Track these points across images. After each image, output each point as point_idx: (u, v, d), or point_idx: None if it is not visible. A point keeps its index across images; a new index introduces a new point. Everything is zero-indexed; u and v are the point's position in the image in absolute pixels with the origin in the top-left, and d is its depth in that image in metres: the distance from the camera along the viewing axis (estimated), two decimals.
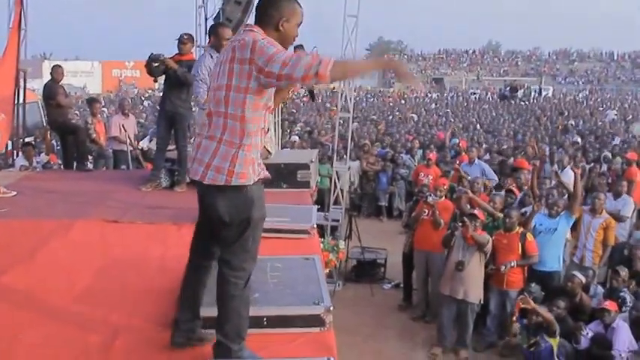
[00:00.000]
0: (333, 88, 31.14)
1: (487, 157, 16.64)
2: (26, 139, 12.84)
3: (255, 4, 3.69)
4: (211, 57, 6.99)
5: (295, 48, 3.66)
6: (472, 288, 8.84)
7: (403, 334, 9.93)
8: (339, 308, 10.61)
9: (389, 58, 3.83)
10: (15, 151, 12.12)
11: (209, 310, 4.02)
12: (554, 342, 7.76)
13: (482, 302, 8.97)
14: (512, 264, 8.64)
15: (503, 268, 8.41)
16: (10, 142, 12.00)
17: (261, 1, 3.70)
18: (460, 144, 16.69)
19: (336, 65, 3.35)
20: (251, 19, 4.09)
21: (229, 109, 3.52)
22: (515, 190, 10.85)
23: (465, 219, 8.79)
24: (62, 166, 11.61)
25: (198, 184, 3.64)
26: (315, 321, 4.09)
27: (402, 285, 11.39)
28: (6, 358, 3.78)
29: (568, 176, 11.89)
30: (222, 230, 3.63)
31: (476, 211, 9.09)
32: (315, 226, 6.48)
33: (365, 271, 12.46)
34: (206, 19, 13.20)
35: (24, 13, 12.07)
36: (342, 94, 13.07)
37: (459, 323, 9.10)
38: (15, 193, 8.55)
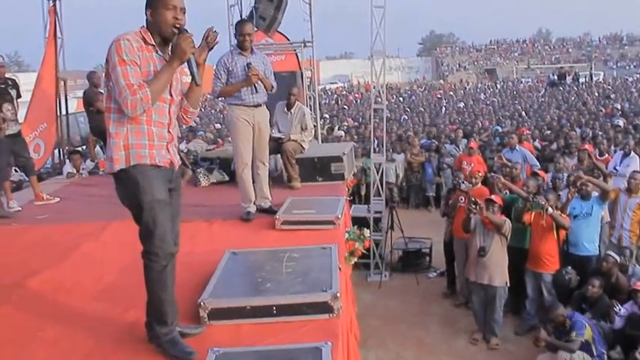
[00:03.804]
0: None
1: (537, 143, 16.58)
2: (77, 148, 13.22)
3: None
4: (231, 54, 7.14)
5: (180, 32, 3.73)
6: (496, 272, 8.86)
7: (446, 321, 10.02)
8: (386, 298, 10.93)
9: (176, 45, 3.77)
10: (62, 159, 12.48)
11: (218, 301, 4.23)
12: None
13: (508, 284, 8.94)
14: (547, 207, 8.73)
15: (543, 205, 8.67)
16: (58, 151, 12.40)
17: None
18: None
19: (153, 93, 3.65)
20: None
21: (106, 104, 3.79)
22: (541, 174, 10.74)
23: (480, 202, 8.83)
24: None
25: None
26: (323, 308, 4.21)
27: (446, 273, 11.45)
28: (24, 353, 4.03)
29: (635, 161, 11.67)
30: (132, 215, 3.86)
31: (493, 197, 9.11)
32: (340, 216, 6.58)
33: (410, 261, 12.59)
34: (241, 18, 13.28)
35: (58, 21, 12.35)
36: (374, 88, 13.04)
37: (488, 310, 9.10)
38: (58, 199, 8.89)
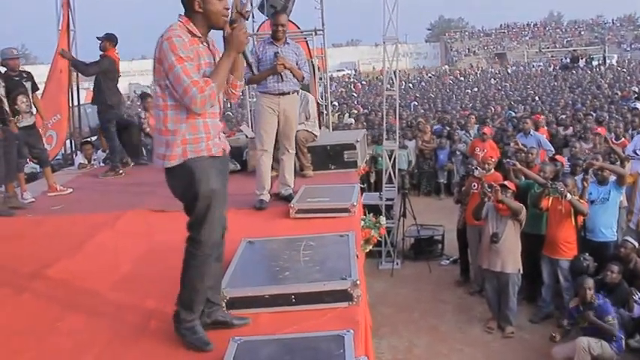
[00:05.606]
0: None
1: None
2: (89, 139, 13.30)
3: None
4: (263, 43, 7.25)
5: (231, 23, 3.76)
6: (509, 259, 8.78)
7: (460, 308, 9.96)
8: (398, 286, 10.88)
9: (232, 36, 3.82)
10: (74, 150, 12.53)
11: (236, 290, 4.19)
12: None
13: (521, 271, 8.86)
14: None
15: (562, 191, 8.58)
16: (70, 142, 12.43)
17: None
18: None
19: (217, 88, 3.68)
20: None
21: (161, 102, 3.75)
22: (559, 159, 10.66)
23: (495, 185, 8.75)
24: None
25: None
26: (343, 296, 4.16)
27: (459, 260, 11.39)
28: (44, 343, 4.01)
29: None
30: (183, 206, 3.85)
31: (507, 183, 9.03)
32: (356, 203, 6.54)
33: (422, 249, 12.52)
34: (251, 7, 13.23)
35: (72, 14, 12.40)
36: (387, 74, 12.98)
37: (502, 297, 9.01)
38: (71, 190, 8.91)
